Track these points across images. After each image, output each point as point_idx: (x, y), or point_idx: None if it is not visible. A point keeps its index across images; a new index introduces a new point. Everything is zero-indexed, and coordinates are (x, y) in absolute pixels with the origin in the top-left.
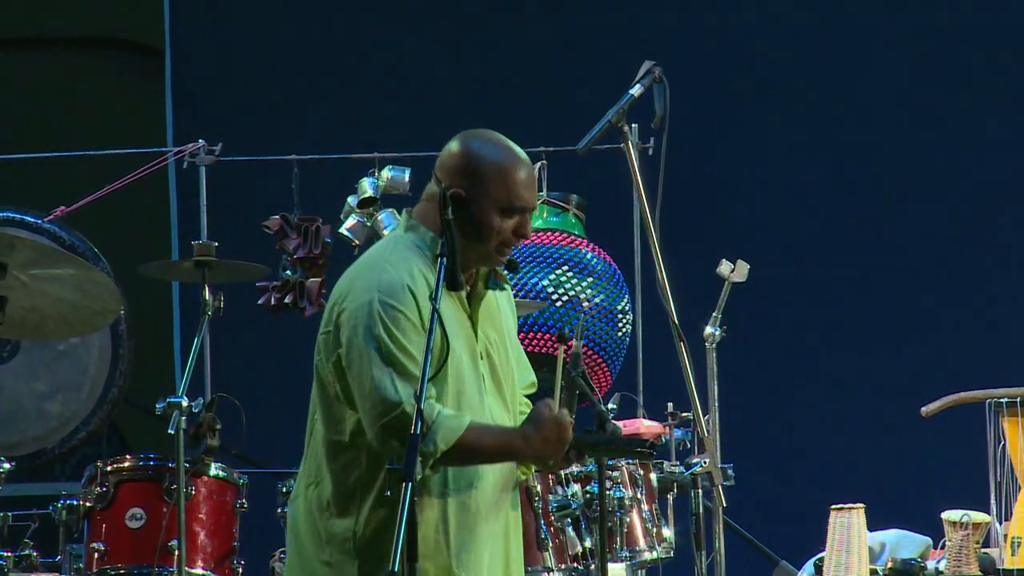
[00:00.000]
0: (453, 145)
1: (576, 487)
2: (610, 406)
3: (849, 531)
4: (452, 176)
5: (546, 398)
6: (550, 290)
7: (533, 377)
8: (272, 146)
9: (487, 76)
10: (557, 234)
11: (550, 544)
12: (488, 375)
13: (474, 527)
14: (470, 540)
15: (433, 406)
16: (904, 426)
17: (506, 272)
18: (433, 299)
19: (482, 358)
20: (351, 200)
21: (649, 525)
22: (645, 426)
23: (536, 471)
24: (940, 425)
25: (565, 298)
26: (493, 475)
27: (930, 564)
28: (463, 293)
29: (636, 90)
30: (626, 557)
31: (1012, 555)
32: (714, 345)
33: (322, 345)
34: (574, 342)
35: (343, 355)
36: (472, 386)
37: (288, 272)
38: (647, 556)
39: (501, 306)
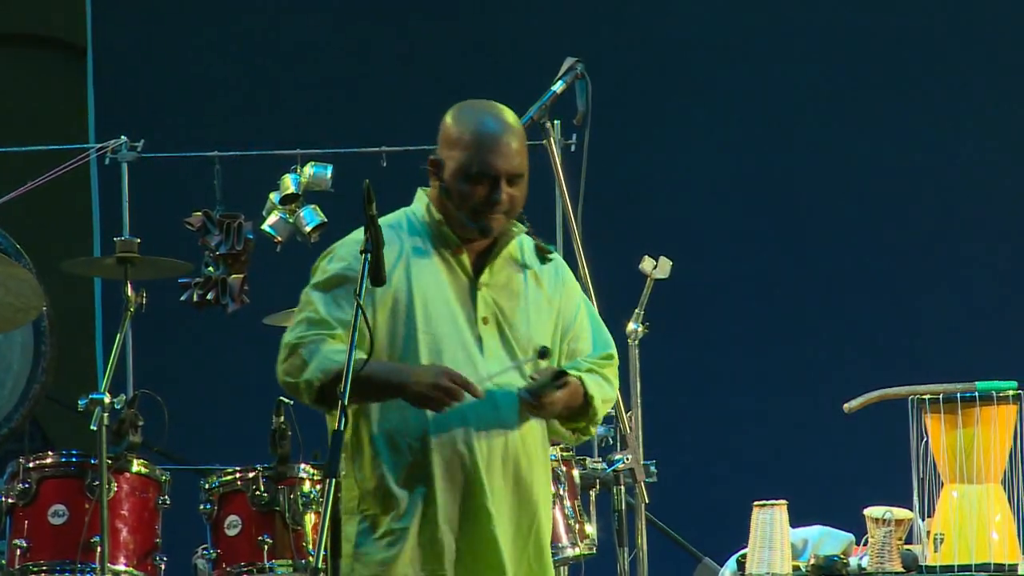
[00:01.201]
0: (445, 115)
1: None
2: None
3: (772, 527)
4: (439, 145)
5: None
6: None
7: (610, 349)
8: (194, 143)
9: (409, 74)
10: None
11: None
12: (497, 339)
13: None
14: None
15: (323, 341)
16: (826, 422)
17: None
18: (357, 294)
19: (486, 323)
20: (273, 196)
21: (571, 521)
22: None
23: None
24: (862, 421)
25: None
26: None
27: (853, 561)
28: (463, 257)
29: (558, 87)
30: None
31: (935, 552)
32: (636, 341)
33: None
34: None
35: None
36: (454, 344)
37: (210, 269)
38: (569, 553)
39: (543, 283)
